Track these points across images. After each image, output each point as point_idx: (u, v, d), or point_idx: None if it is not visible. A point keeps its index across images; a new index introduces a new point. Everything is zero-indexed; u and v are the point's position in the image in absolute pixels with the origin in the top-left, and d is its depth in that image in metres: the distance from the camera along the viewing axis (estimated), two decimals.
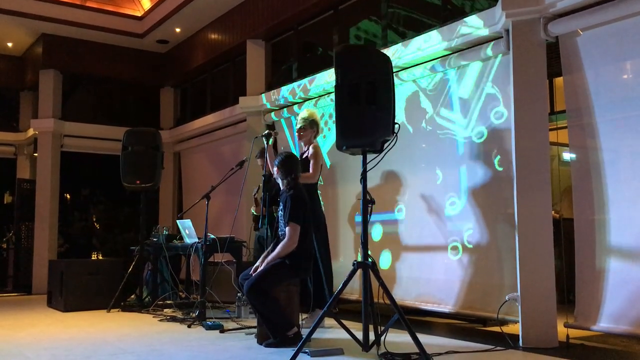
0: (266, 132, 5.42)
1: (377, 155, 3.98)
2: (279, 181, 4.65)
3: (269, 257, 4.45)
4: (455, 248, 5.22)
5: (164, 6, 8.63)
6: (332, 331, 4.92)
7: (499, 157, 4.92)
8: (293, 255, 4.41)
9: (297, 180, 4.62)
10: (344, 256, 6.47)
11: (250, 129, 7.97)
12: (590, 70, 4.31)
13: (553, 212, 6.20)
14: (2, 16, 8.54)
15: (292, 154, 4.81)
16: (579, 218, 4.34)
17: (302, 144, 5.50)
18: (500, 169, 4.89)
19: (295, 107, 7.23)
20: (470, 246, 5.08)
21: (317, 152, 5.30)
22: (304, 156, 5.37)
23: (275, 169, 4.64)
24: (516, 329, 4.46)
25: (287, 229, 4.41)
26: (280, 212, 4.59)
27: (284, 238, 4.45)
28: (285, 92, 7.39)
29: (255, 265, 4.53)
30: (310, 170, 5.21)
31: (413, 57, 5.65)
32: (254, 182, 6.61)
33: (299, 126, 5.40)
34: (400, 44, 5.82)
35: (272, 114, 7.75)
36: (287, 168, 4.57)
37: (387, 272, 5.79)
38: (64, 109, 9.72)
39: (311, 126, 5.39)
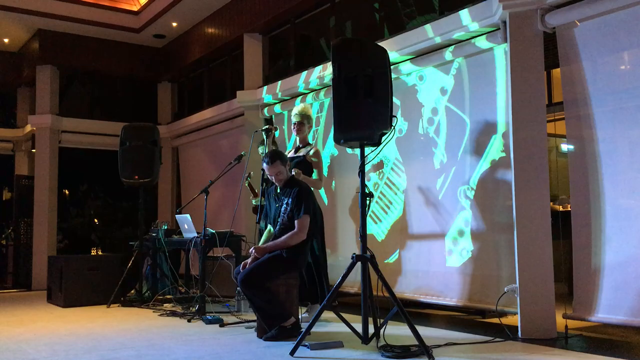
0: (266, 126, 5.41)
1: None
2: (272, 177, 4.59)
3: (272, 243, 4.43)
4: (453, 240, 5.23)
5: (160, 0, 8.59)
6: (331, 324, 4.93)
7: (497, 149, 4.92)
8: (292, 248, 4.42)
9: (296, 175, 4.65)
10: (344, 249, 6.48)
11: (248, 123, 7.96)
12: (587, 61, 4.30)
13: (560, 206, 6.24)
14: None
15: (279, 150, 4.83)
16: (576, 209, 4.35)
17: (298, 139, 5.48)
18: (498, 160, 4.90)
19: (293, 101, 7.22)
20: (469, 238, 5.09)
21: (320, 158, 5.31)
22: (301, 154, 5.34)
23: (267, 167, 4.53)
24: (515, 320, 4.48)
25: (297, 221, 4.40)
26: (284, 206, 4.56)
27: (284, 232, 4.45)
28: (282, 86, 7.37)
29: (244, 262, 4.50)
30: (316, 176, 5.25)
31: (411, 49, 5.63)
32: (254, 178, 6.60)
33: (295, 121, 5.38)
34: (398, 35, 5.80)
35: (270, 108, 7.74)
36: (283, 158, 4.57)
37: (386, 265, 5.80)
38: (61, 104, 9.70)
39: (308, 121, 5.40)
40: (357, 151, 4.18)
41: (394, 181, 5.91)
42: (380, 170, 6.03)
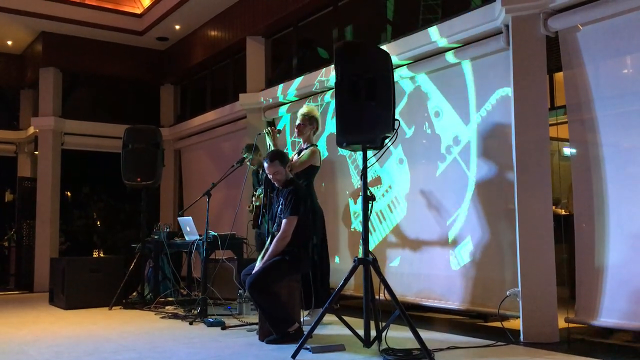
0: (269, 128, 5.41)
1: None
2: (270, 176, 4.61)
3: (267, 255, 4.46)
4: (455, 244, 5.22)
5: (164, 3, 8.62)
6: (333, 327, 4.93)
7: (499, 152, 4.92)
8: (292, 250, 4.42)
9: (292, 174, 4.66)
10: (341, 253, 6.47)
11: (250, 126, 7.97)
12: (590, 65, 4.30)
13: (563, 210, 6.24)
14: (2, 14, 8.52)
15: (281, 150, 4.83)
16: (579, 213, 4.34)
17: (301, 140, 5.47)
18: (501, 164, 4.89)
19: (295, 104, 7.22)
20: (471, 242, 5.08)
21: (310, 156, 5.22)
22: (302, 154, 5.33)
23: (267, 165, 4.57)
24: (517, 324, 4.47)
25: (284, 221, 4.41)
26: (280, 206, 4.58)
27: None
28: (285, 89, 7.38)
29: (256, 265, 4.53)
30: (295, 162, 5.15)
31: (412, 53, 5.64)
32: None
33: (298, 122, 5.37)
34: (399, 39, 5.81)
35: (272, 110, 7.75)
36: (283, 159, 4.58)
37: (388, 268, 5.79)
38: (64, 107, 9.72)
39: (310, 122, 5.35)
40: (359, 154, 4.18)
41: (396, 184, 5.91)
42: (376, 186, 6.03)
